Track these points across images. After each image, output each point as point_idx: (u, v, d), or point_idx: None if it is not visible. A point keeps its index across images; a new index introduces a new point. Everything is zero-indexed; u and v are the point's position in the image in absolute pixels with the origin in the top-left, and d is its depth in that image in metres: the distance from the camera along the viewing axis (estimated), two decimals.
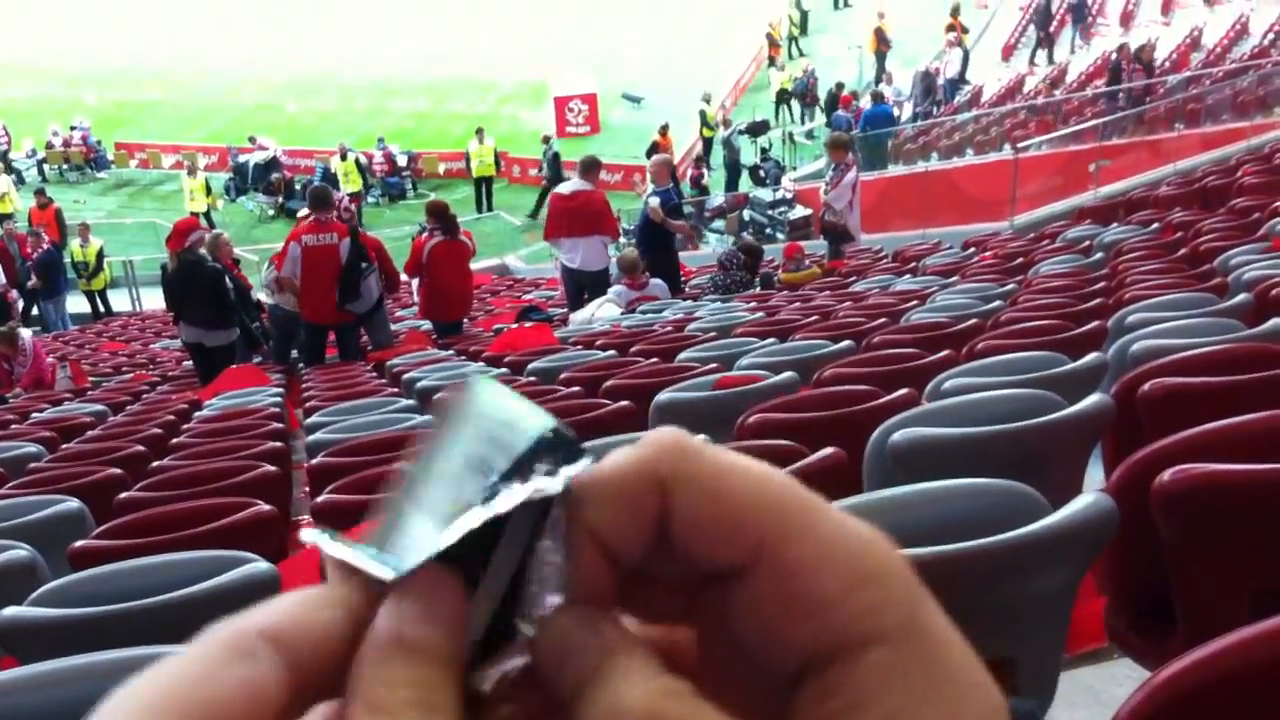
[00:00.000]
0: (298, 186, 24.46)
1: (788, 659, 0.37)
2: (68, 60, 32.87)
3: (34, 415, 9.16)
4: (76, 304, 20.27)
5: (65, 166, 27.18)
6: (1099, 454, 3.56)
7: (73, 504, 4.62)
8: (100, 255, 19.94)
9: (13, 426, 8.74)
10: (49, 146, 27.11)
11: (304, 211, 12.22)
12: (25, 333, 12.57)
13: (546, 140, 24.21)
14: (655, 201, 12.11)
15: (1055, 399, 3.31)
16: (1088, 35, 27.74)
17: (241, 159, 25.64)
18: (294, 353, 11.82)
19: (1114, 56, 22.08)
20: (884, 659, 0.36)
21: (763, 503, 0.37)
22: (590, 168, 11.94)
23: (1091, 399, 3.16)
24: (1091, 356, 4.06)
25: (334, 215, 10.87)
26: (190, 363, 11.52)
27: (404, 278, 12.87)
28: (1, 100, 29.33)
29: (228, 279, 10.93)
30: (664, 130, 23.68)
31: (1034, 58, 27.35)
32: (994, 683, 0.38)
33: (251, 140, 25.92)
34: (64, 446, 7.10)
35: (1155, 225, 9.88)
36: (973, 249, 12.06)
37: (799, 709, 0.36)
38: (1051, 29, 27.62)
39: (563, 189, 12.02)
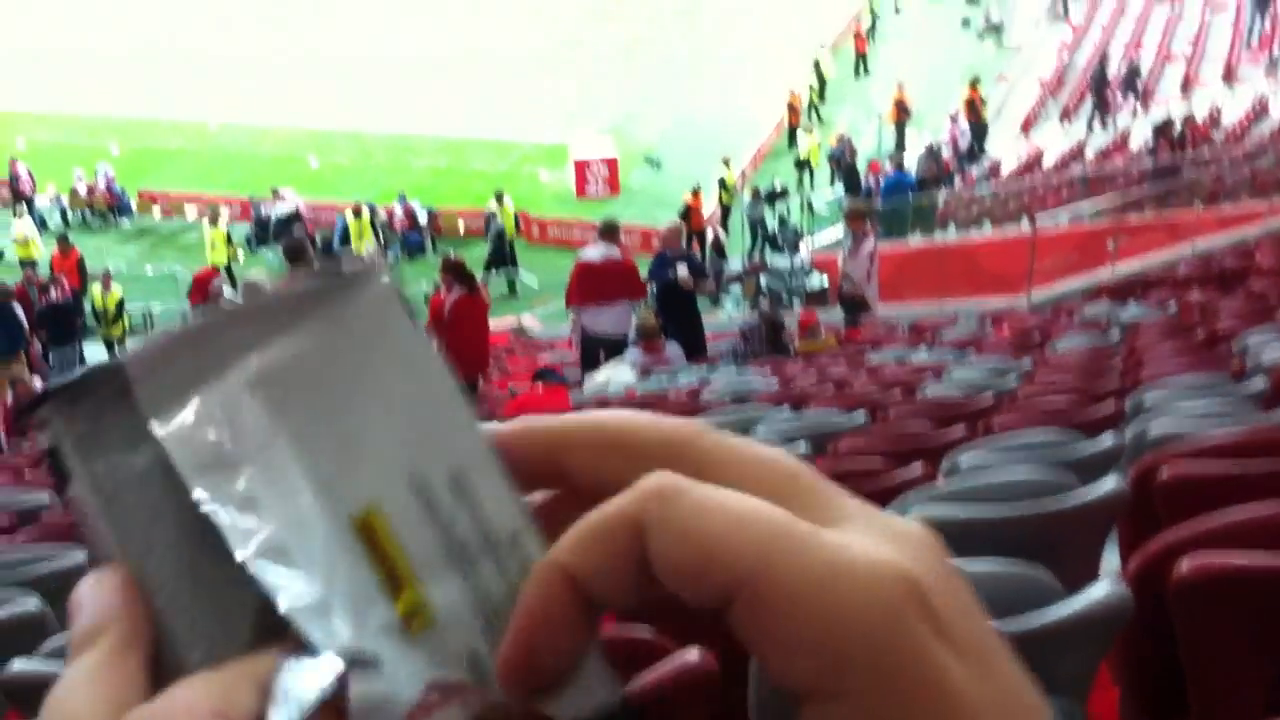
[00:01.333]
0: (318, 239, 24.62)
1: (786, 686, 0.37)
2: (94, 108, 33.26)
3: (45, 463, 9.17)
4: (95, 351, 20.35)
5: (88, 212, 27.42)
6: (1114, 537, 3.53)
7: (83, 555, 4.61)
8: (120, 304, 20.05)
9: (25, 474, 8.75)
10: (73, 192, 27.37)
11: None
12: (37, 381, 12.68)
13: (498, 200, 24.52)
14: (684, 272, 12.00)
15: (1071, 480, 3.30)
16: (1145, 103, 27.84)
17: (264, 210, 25.84)
18: None
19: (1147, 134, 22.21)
20: (849, 714, 0.35)
21: (736, 542, 0.36)
22: (611, 231, 11.93)
23: (1108, 482, 3.14)
24: (1108, 438, 4.04)
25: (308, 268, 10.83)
26: None
27: None
28: (27, 145, 29.67)
29: None
30: (695, 192, 23.80)
31: (1091, 124, 27.31)
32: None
33: (274, 192, 26.13)
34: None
35: (1173, 305, 9.87)
36: (989, 323, 12.05)
37: None
38: (1107, 94, 27.55)
39: (590, 255, 11.90)
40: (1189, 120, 22.69)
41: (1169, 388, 5.22)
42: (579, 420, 0.43)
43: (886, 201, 20.98)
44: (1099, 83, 27.48)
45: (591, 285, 11.61)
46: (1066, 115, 28.89)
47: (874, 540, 0.38)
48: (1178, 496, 3.11)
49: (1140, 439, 4.12)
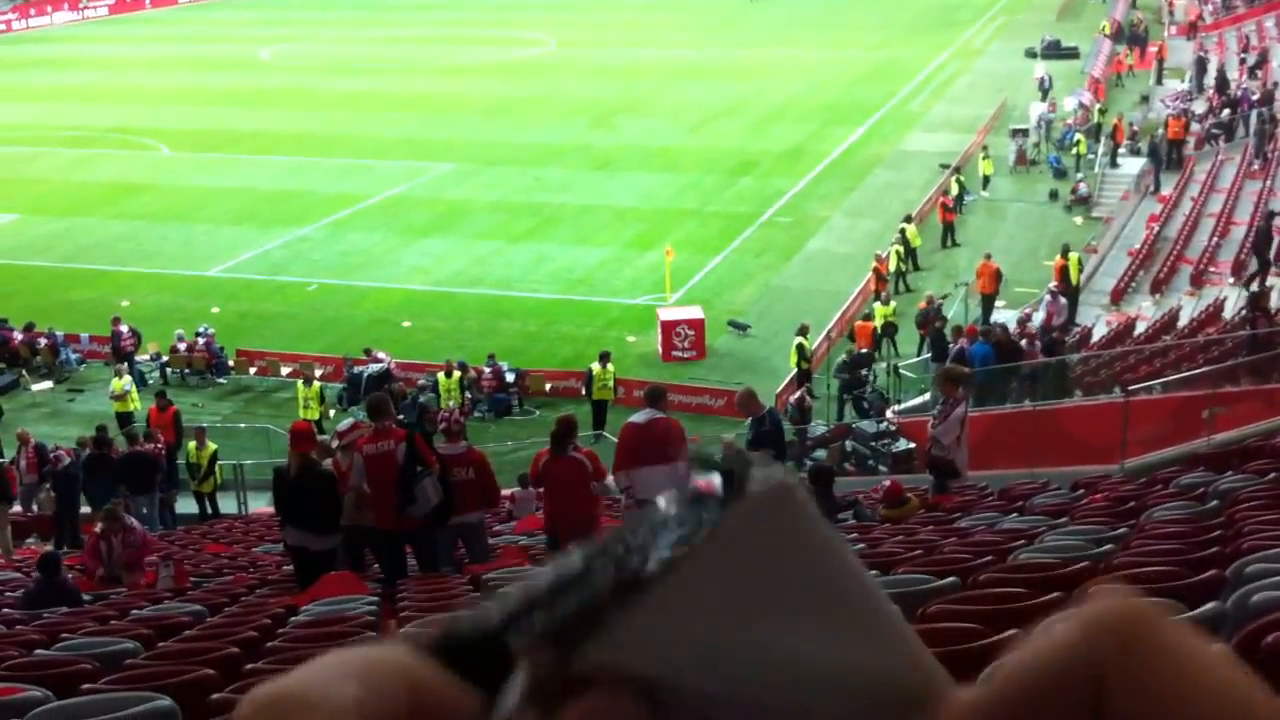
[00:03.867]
0: (407, 399, 25.00)
1: None
2: (197, 269, 34.44)
3: (133, 612, 9.26)
4: (186, 505, 20.70)
5: (187, 371, 28.16)
6: None
7: (165, 702, 4.62)
8: (214, 459, 20.43)
9: (111, 622, 8.83)
10: (173, 351, 28.17)
11: (347, 423, 12.46)
12: (134, 521, 13.06)
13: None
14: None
15: None
16: (1238, 274, 27.46)
17: (356, 370, 26.34)
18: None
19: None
20: None
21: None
22: (658, 397, 12.00)
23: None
24: (1210, 606, 3.91)
25: (391, 423, 10.93)
26: (290, 567, 11.59)
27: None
28: (133, 306, 30.67)
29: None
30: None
31: (1250, 284, 26.87)
32: None
33: (367, 352, 26.66)
34: (160, 644, 7.14)
35: (1272, 475, 9.61)
36: (1082, 490, 11.82)
37: None
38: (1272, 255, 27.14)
39: (638, 419, 11.89)
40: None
41: (1272, 559, 5.05)
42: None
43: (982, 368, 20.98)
44: (1263, 238, 27.08)
45: (637, 449, 11.53)
46: (1158, 288, 28.70)
47: None
48: None
49: (1243, 607, 3.98)
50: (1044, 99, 45.37)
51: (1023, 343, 22.93)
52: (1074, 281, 27.72)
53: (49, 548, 17.67)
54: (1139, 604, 0.32)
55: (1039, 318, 25.87)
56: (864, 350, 25.65)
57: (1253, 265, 27.10)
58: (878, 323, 27.31)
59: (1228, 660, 0.32)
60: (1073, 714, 0.30)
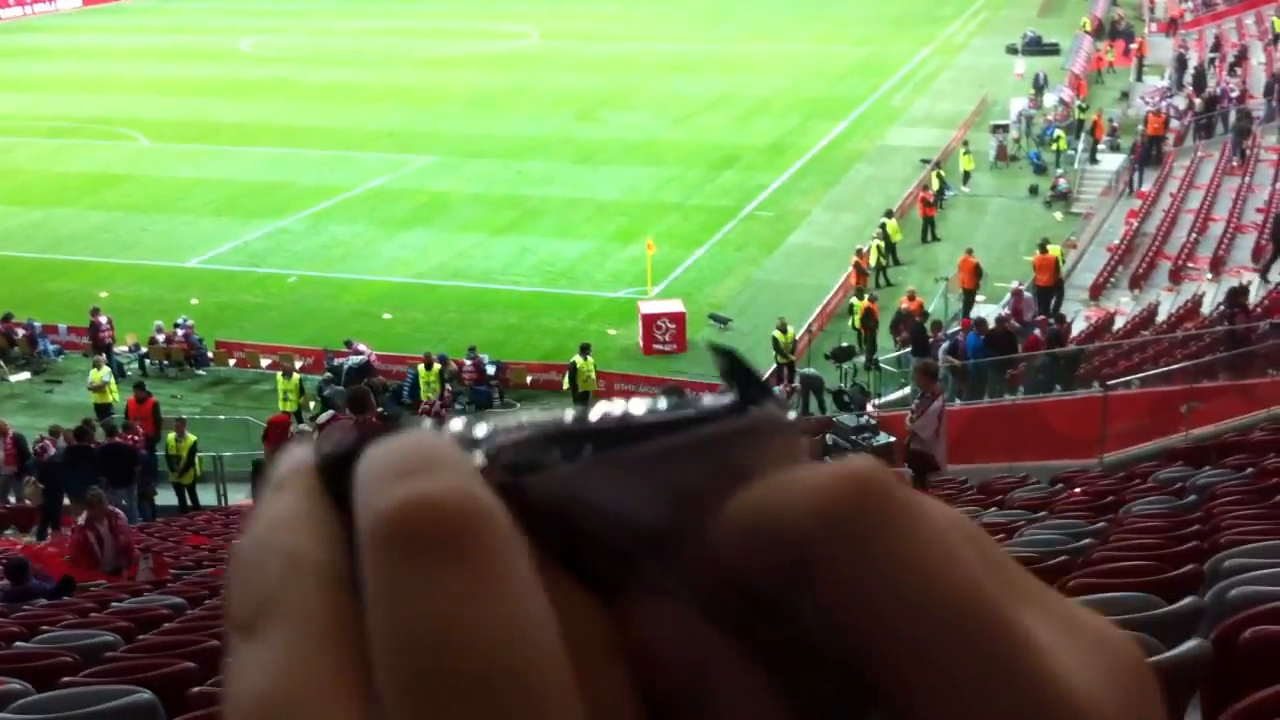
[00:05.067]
0: (388, 391, 24.96)
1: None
2: (175, 261, 34.27)
3: (113, 604, 9.23)
4: (166, 497, 20.62)
5: (166, 362, 28.01)
6: (1196, 701, 3.42)
7: (145, 695, 4.61)
8: (193, 450, 20.34)
9: (91, 615, 8.80)
10: (152, 342, 28.02)
11: (326, 416, 12.38)
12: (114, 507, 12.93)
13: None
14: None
15: (1152, 642, 3.21)
16: (1216, 272, 27.60)
17: (336, 362, 26.24)
18: None
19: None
20: None
21: (946, 595, 0.30)
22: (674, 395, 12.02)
23: (1190, 644, 3.06)
24: (1188, 600, 3.94)
25: (371, 417, 10.83)
26: None
27: None
28: (112, 297, 30.48)
29: None
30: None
31: (1267, 272, 26.85)
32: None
33: (347, 344, 26.58)
34: (140, 637, 7.13)
35: (1250, 470, 9.68)
36: (1061, 484, 11.88)
37: None
38: None
39: None
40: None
41: (1250, 553, 5.09)
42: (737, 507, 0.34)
43: (975, 360, 21.29)
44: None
45: None
46: (1136, 283, 28.85)
47: (1079, 656, 0.32)
48: (1261, 658, 3.01)
49: (1221, 602, 4.01)
50: (1039, 94, 45.61)
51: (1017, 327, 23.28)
52: (1055, 278, 27.77)
53: (29, 539, 17.59)
54: (882, 473, 0.32)
55: (1003, 313, 25.88)
56: (844, 345, 25.67)
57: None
58: (856, 320, 27.33)
59: (973, 533, 0.32)
60: (782, 565, 0.32)
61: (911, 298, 27.25)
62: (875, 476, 0.32)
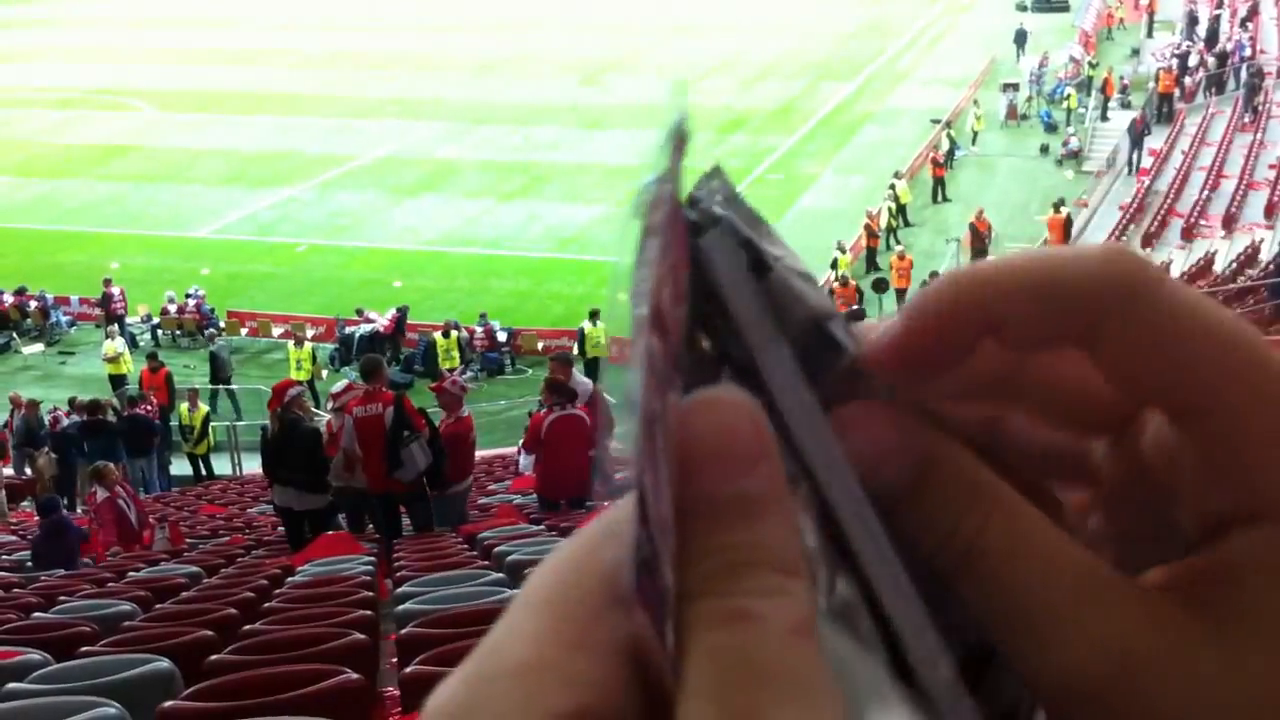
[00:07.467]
0: (401, 359, 25.06)
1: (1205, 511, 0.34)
2: (186, 231, 34.31)
3: (130, 574, 9.28)
4: (180, 467, 20.71)
5: (178, 332, 28.08)
6: None
7: (163, 664, 4.64)
8: (206, 420, 20.41)
9: (109, 584, 8.85)
10: (164, 313, 28.08)
11: (340, 385, 12.37)
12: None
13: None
14: None
15: None
16: (1229, 229, 27.52)
17: (348, 330, 26.31)
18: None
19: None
20: None
21: (1216, 357, 0.32)
22: None
23: None
24: None
25: (381, 386, 10.80)
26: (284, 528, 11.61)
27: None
28: (122, 268, 30.53)
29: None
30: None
31: None
32: None
33: (359, 313, 26.63)
34: (158, 606, 7.17)
35: None
36: None
37: (1238, 552, 0.33)
38: None
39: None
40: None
41: None
42: (1011, 265, 0.35)
43: None
44: None
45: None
46: (1149, 242, 28.72)
47: None
48: None
49: None
50: (1019, 50, 45.47)
51: None
52: (1065, 238, 27.69)
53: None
54: (1150, 265, 0.34)
55: None
56: (857, 307, 25.65)
57: None
58: (873, 279, 27.27)
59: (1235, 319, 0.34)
60: (1064, 329, 0.33)
61: (901, 257, 27.31)
62: (1138, 255, 0.34)
